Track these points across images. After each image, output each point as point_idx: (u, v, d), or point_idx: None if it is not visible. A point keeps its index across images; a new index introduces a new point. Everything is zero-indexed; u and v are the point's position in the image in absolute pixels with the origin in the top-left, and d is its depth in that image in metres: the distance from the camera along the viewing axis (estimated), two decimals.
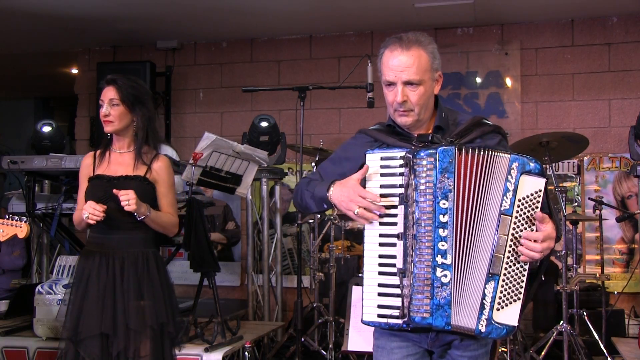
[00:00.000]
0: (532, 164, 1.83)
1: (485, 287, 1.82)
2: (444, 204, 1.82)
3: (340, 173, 2.07)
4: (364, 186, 1.95)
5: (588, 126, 5.53)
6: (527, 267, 1.84)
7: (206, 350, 3.59)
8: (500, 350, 4.05)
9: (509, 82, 5.75)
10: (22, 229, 2.80)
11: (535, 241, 1.80)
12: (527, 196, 1.82)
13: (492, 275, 1.82)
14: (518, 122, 5.68)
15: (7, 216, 2.85)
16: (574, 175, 5.52)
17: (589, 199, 5.13)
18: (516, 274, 1.83)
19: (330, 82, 5.75)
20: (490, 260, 1.82)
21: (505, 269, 1.82)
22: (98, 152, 2.94)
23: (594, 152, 5.46)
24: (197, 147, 3.71)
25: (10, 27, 5.95)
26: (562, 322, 4.04)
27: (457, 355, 1.98)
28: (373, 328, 2.06)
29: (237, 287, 6.06)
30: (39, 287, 3.79)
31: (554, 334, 4.04)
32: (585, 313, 4.24)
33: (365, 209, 1.88)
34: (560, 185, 4.96)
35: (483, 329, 1.82)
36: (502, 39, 5.79)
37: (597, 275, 4.71)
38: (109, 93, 2.86)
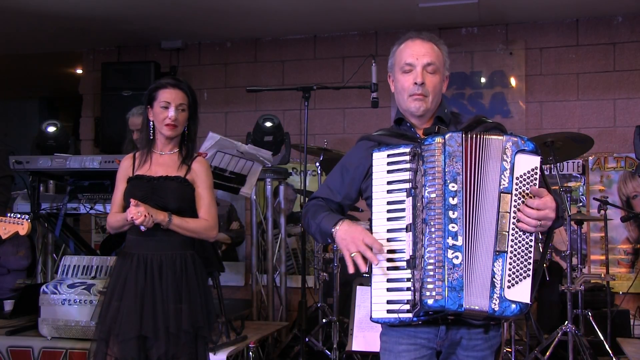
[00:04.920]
0: (525, 143, 1.89)
1: (493, 266, 1.82)
2: (453, 186, 1.85)
3: (348, 182, 2.13)
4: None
5: (593, 126, 5.52)
6: (532, 242, 1.85)
7: (210, 350, 3.58)
8: (504, 350, 4.04)
9: (513, 82, 5.74)
10: (23, 226, 2.79)
11: (532, 209, 1.83)
12: (524, 174, 1.87)
13: (499, 253, 1.83)
14: (522, 122, 5.66)
15: (8, 214, 2.84)
16: (578, 175, 5.51)
17: (593, 199, 5.11)
18: (523, 250, 1.84)
19: (335, 82, 5.75)
20: (495, 238, 1.84)
21: (511, 245, 1.84)
22: (138, 153, 2.90)
23: (598, 152, 5.44)
24: (202, 147, 3.71)
25: (15, 27, 5.97)
26: (567, 322, 4.02)
27: (463, 355, 1.98)
28: (377, 328, 2.05)
29: (241, 287, 6.06)
30: (43, 287, 3.79)
31: (559, 335, 4.02)
32: (590, 313, 4.22)
33: (362, 255, 1.87)
34: (565, 185, 4.94)
35: (497, 308, 1.80)
36: (507, 38, 5.78)
37: (602, 275, 4.70)
38: (178, 97, 2.80)
